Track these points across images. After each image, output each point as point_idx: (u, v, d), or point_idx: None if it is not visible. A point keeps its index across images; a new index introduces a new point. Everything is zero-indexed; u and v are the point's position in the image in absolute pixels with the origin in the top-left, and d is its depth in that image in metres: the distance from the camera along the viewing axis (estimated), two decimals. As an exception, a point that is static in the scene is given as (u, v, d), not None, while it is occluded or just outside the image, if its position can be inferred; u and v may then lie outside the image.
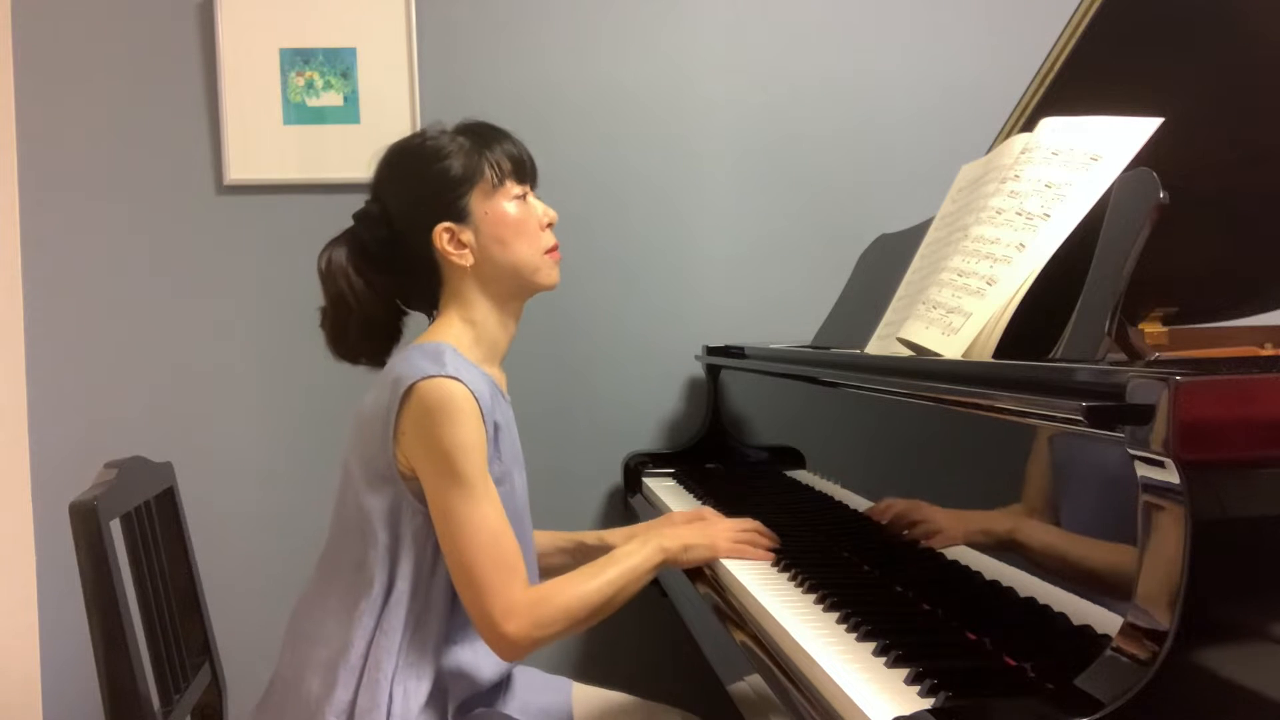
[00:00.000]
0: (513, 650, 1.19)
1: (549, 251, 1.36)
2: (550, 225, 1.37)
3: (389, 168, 1.35)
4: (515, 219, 1.33)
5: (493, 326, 1.34)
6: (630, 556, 1.28)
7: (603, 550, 1.53)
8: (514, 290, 1.35)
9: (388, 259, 1.32)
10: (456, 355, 1.25)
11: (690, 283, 2.23)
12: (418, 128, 2.06)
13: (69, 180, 2.12)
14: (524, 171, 1.36)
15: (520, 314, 1.39)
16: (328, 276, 1.31)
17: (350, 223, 1.35)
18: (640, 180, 2.22)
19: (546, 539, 1.57)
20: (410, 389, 1.19)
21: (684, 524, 1.43)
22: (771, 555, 1.34)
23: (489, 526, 1.18)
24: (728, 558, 1.33)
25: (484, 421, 1.22)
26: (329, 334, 1.34)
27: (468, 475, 1.18)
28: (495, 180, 1.32)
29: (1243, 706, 0.72)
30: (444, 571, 1.23)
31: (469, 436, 1.19)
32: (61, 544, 2.01)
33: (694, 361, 2.19)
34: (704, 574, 1.41)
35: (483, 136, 1.34)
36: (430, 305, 1.38)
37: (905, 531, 1.17)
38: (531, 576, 1.36)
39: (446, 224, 1.30)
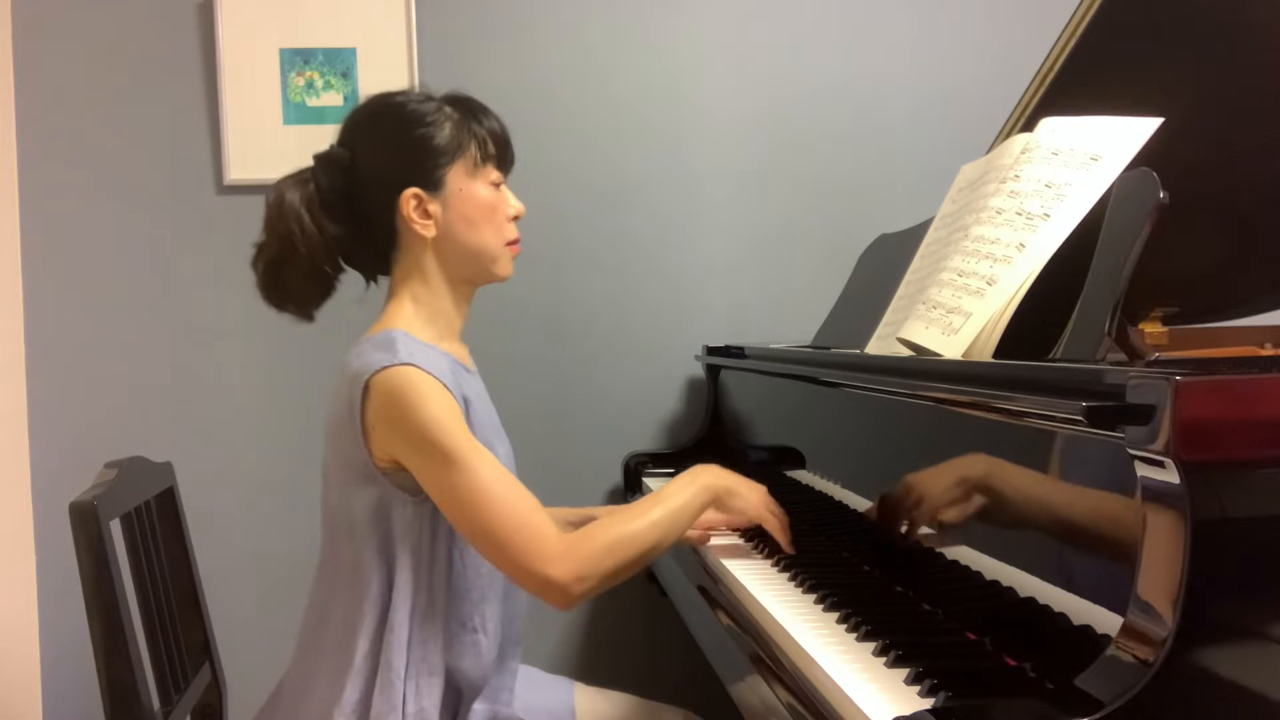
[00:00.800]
0: (566, 595, 1.15)
1: (510, 243, 1.33)
2: (516, 219, 1.33)
3: (370, 119, 1.30)
4: (488, 203, 1.29)
5: (445, 304, 1.31)
6: (676, 495, 1.24)
7: None
8: (468, 274, 1.32)
9: (344, 210, 1.27)
10: (409, 339, 1.21)
11: (690, 283, 2.23)
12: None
13: (69, 180, 2.12)
14: (506, 158, 1.33)
15: (471, 298, 1.35)
16: (277, 215, 1.25)
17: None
18: (640, 180, 2.22)
19: (558, 513, 1.55)
20: (367, 385, 1.16)
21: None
22: (788, 543, 1.34)
23: (495, 489, 1.15)
24: (757, 520, 1.34)
25: (453, 394, 1.19)
26: (263, 275, 1.27)
27: (454, 448, 1.14)
28: (478, 160, 1.29)
29: (1243, 706, 0.72)
30: (443, 561, 1.22)
31: (441, 412, 1.15)
32: (61, 544, 2.01)
33: (694, 361, 2.19)
34: (704, 574, 1.41)
35: (473, 112, 1.30)
36: (375, 269, 1.34)
37: (905, 532, 1.17)
38: None
39: (416, 190, 1.26)
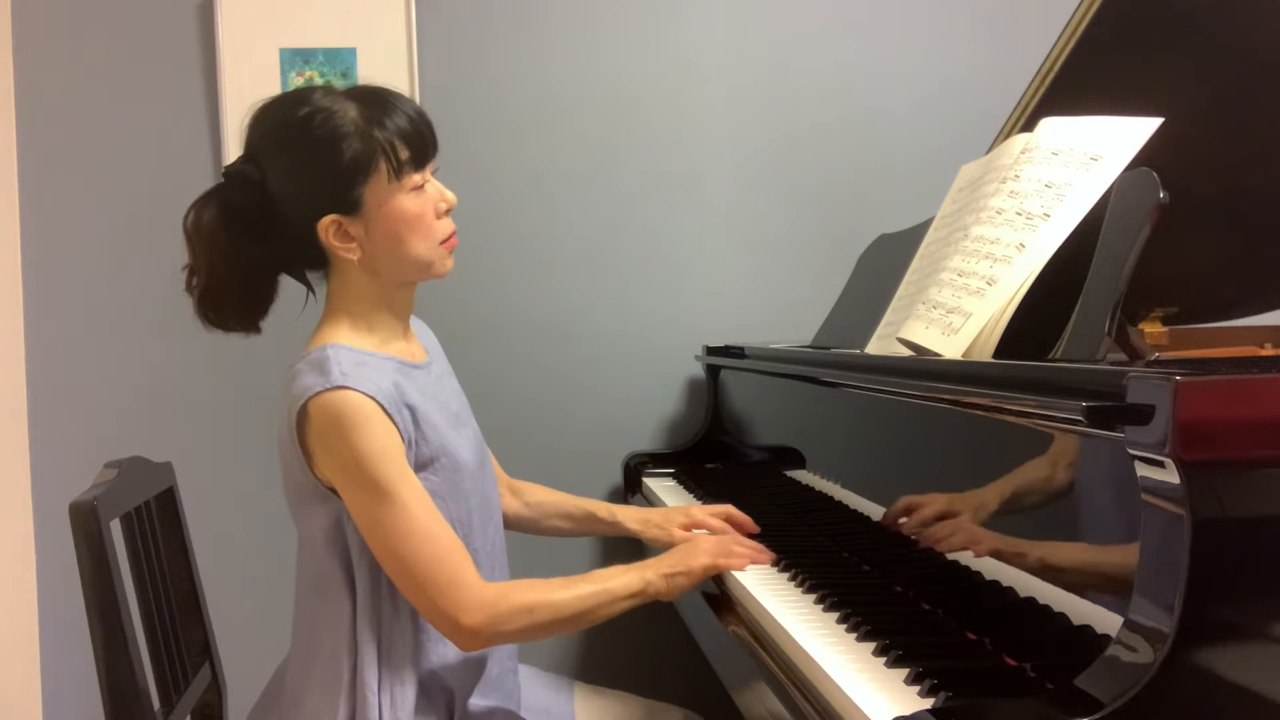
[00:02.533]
0: (473, 640, 1.15)
1: (445, 241, 1.24)
2: (448, 210, 1.25)
3: (275, 136, 1.20)
4: (411, 215, 1.20)
5: (384, 310, 1.25)
6: (609, 579, 1.21)
7: (612, 526, 1.51)
8: (404, 280, 1.26)
9: (263, 228, 1.20)
10: (347, 353, 1.17)
11: (690, 283, 2.23)
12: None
13: (69, 180, 2.12)
14: (424, 156, 1.22)
15: (413, 294, 1.30)
16: (195, 238, 1.19)
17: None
18: (640, 179, 2.22)
19: (554, 499, 1.55)
20: (303, 410, 1.13)
21: (684, 534, 1.42)
22: (746, 561, 1.29)
23: (420, 528, 1.13)
24: (708, 575, 1.27)
25: (392, 416, 1.15)
26: (199, 300, 1.21)
27: (384, 482, 1.12)
28: (392, 173, 1.18)
29: (1243, 706, 0.72)
30: None
31: (374, 442, 1.12)
32: (61, 544, 2.01)
33: (694, 361, 2.19)
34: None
35: (380, 113, 1.19)
36: (311, 283, 1.29)
37: (905, 531, 1.17)
38: (488, 529, 1.31)
39: (334, 216, 1.18)
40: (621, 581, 1.22)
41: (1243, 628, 0.72)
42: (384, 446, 1.13)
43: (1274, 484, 0.73)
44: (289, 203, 1.20)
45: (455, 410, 1.32)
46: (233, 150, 2.11)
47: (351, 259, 1.21)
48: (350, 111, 1.18)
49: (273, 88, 2.11)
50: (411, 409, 1.19)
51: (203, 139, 2.13)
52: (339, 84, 1.36)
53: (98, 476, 1.25)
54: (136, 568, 1.28)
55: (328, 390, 1.13)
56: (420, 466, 1.20)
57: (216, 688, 1.44)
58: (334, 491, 1.17)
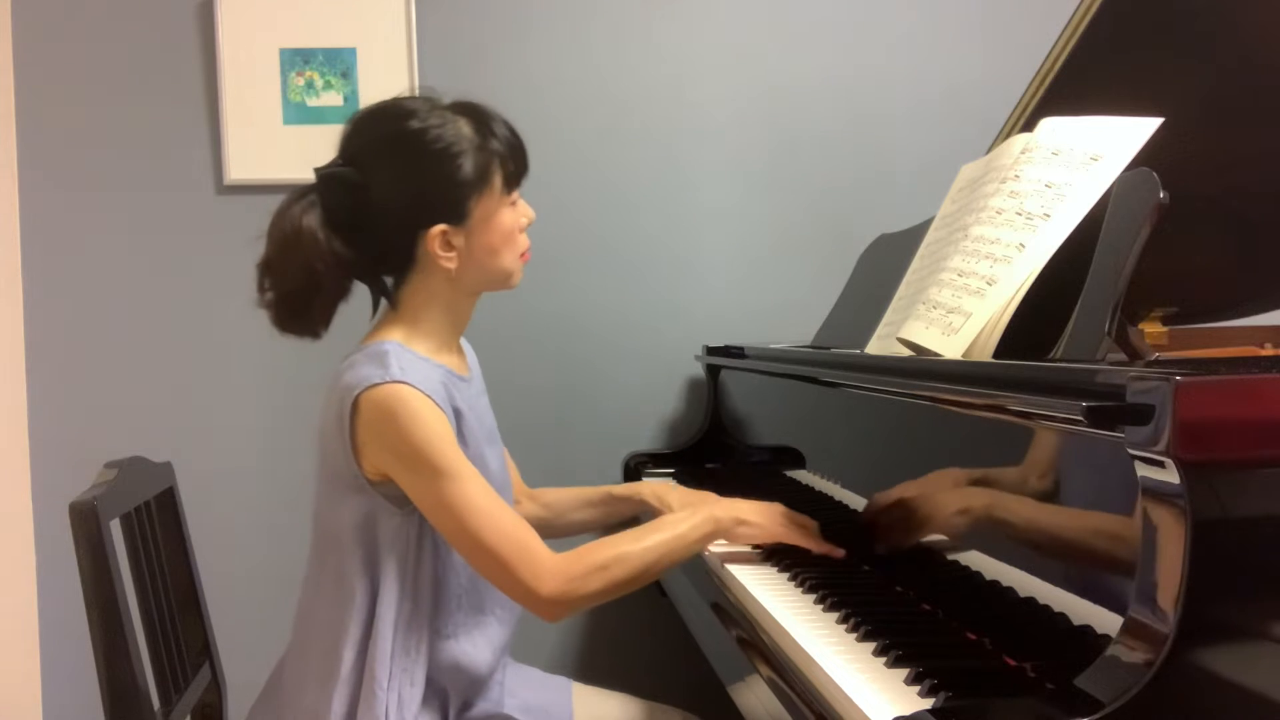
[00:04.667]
0: (555, 609, 1.16)
1: (523, 254, 1.30)
2: (528, 226, 1.30)
3: (386, 145, 1.22)
4: (508, 228, 1.26)
5: (448, 321, 1.28)
6: (678, 524, 1.23)
7: (632, 501, 1.53)
8: (480, 290, 1.30)
9: (355, 232, 1.21)
10: (403, 352, 1.20)
11: (690, 283, 2.23)
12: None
13: (69, 180, 2.12)
14: (523, 172, 1.28)
15: (474, 305, 1.33)
16: (294, 243, 1.18)
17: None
18: (640, 180, 2.22)
19: (566, 496, 1.56)
20: (357, 400, 1.15)
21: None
22: (824, 549, 1.31)
23: (485, 506, 1.15)
24: (785, 541, 1.31)
25: (444, 410, 1.18)
26: (286, 307, 1.21)
27: (446, 465, 1.14)
28: (503, 188, 1.24)
29: (1243, 706, 0.72)
30: (428, 572, 1.21)
31: (430, 429, 1.14)
32: (61, 544, 2.01)
33: (694, 361, 2.19)
34: (705, 574, 1.41)
35: (487, 126, 1.24)
36: (385, 289, 1.28)
37: (905, 532, 1.17)
38: None
39: (443, 226, 1.21)
40: (691, 524, 1.25)
41: (1243, 628, 0.72)
42: (440, 433, 1.16)
43: (1274, 484, 0.73)
44: (396, 210, 1.22)
45: (489, 427, 1.34)
46: (233, 150, 2.11)
47: (449, 268, 1.23)
48: (462, 125, 1.22)
49: (273, 88, 2.11)
50: (457, 413, 1.22)
51: (203, 139, 2.13)
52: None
53: (98, 476, 1.25)
54: (136, 568, 1.28)
55: (384, 384, 1.15)
56: None
57: (216, 688, 1.44)
58: (371, 484, 1.19)
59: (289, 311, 1.22)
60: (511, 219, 1.27)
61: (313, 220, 1.19)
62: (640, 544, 1.20)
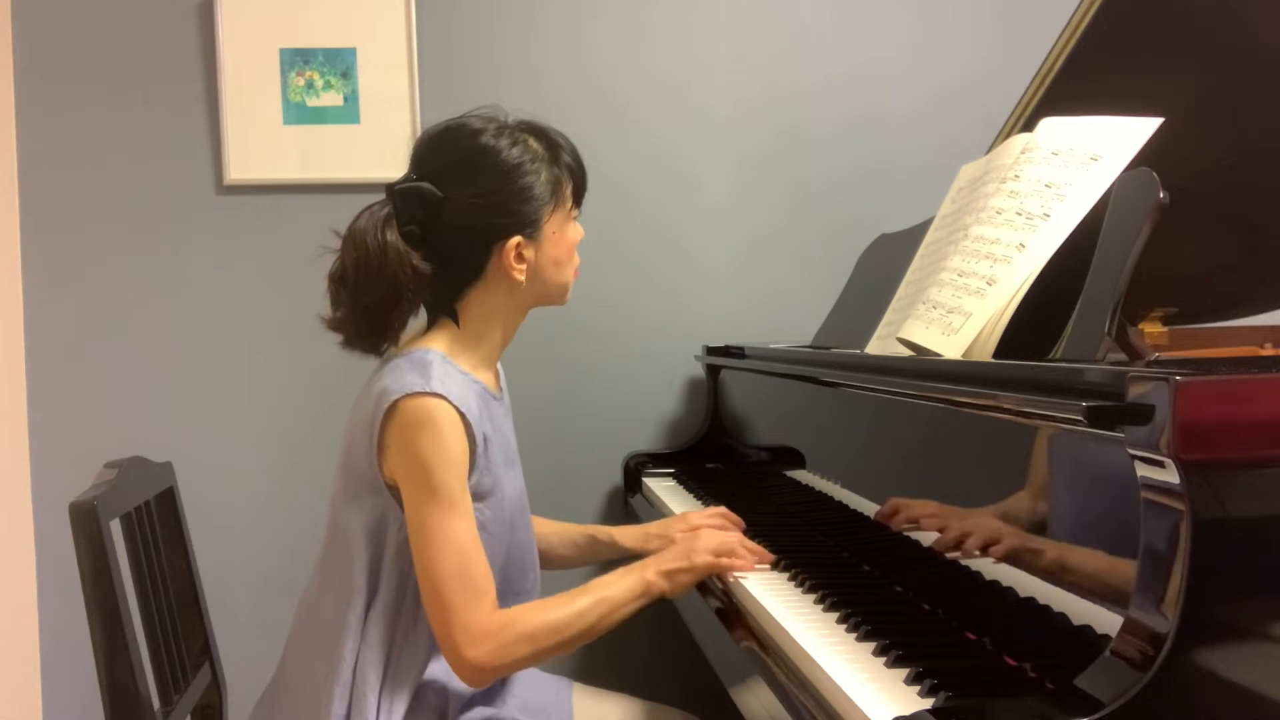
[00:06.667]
0: (474, 675, 1.16)
1: (575, 270, 1.34)
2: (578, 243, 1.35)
3: (463, 165, 1.24)
4: (572, 242, 1.31)
5: (496, 336, 1.30)
6: (607, 586, 1.22)
7: (612, 548, 1.53)
8: (535, 304, 1.32)
9: (429, 245, 1.23)
10: (445, 364, 1.21)
11: (690, 282, 2.24)
12: (418, 128, 2.07)
13: (69, 180, 2.12)
14: (584, 189, 1.33)
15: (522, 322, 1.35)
16: (379, 257, 1.19)
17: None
18: (640, 180, 2.22)
19: (557, 530, 1.56)
20: (394, 405, 1.16)
21: (684, 534, 1.42)
22: (751, 563, 1.29)
23: (459, 545, 1.15)
24: (711, 572, 1.28)
25: (473, 434, 1.19)
26: (365, 321, 1.22)
27: (444, 489, 1.15)
28: (574, 202, 1.31)
29: (1243, 706, 0.72)
30: None
31: (449, 452, 1.15)
32: (61, 544, 2.01)
33: (694, 361, 2.19)
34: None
35: (551, 143, 1.29)
36: (445, 303, 1.28)
37: (906, 532, 1.17)
38: (529, 573, 1.35)
39: (519, 239, 1.24)
40: (621, 587, 1.23)
41: (1242, 628, 0.72)
42: (455, 459, 1.16)
43: (1274, 484, 0.73)
44: (474, 223, 1.24)
45: (511, 451, 1.35)
46: (233, 150, 2.11)
47: (519, 280, 1.26)
48: (532, 142, 1.27)
49: (273, 88, 2.11)
50: (485, 437, 1.22)
51: (203, 139, 2.13)
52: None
53: (98, 476, 1.25)
54: (136, 568, 1.28)
55: (424, 394, 1.15)
56: (478, 497, 1.22)
57: (216, 688, 1.44)
58: (388, 488, 1.19)
59: (367, 325, 1.23)
60: (575, 233, 1.32)
61: (395, 237, 1.21)
62: (568, 610, 1.19)
